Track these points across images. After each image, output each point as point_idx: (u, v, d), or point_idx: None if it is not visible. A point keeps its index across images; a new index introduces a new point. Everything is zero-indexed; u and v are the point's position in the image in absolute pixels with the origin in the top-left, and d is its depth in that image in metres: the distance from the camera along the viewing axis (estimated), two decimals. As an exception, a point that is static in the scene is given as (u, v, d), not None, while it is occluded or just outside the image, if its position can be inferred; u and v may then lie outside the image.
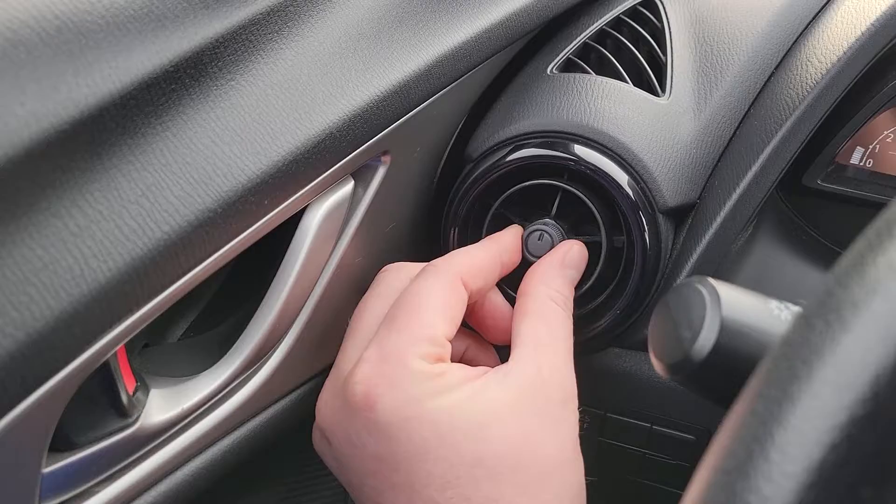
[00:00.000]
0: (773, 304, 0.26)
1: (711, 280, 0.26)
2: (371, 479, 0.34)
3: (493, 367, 0.36)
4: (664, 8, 0.50)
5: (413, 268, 0.40)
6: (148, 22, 0.28)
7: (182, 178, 0.28)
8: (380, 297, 0.39)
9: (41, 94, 0.24)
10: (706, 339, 0.25)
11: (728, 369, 0.25)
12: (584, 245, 0.42)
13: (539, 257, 0.41)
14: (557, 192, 0.43)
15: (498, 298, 0.41)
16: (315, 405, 0.37)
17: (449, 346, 0.36)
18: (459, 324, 0.37)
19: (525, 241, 0.42)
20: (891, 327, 0.15)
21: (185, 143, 0.29)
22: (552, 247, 0.42)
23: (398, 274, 0.40)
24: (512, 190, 0.42)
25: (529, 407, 0.34)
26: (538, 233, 0.42)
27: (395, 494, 0.34)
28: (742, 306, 0.25)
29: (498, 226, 0.43)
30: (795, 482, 0.15)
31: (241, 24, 0.31)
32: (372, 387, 0.33)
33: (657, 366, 0.27)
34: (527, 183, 0.43)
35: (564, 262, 0.40)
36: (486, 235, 0.43)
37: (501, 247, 0.40)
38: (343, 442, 0.35)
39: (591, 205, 0.41)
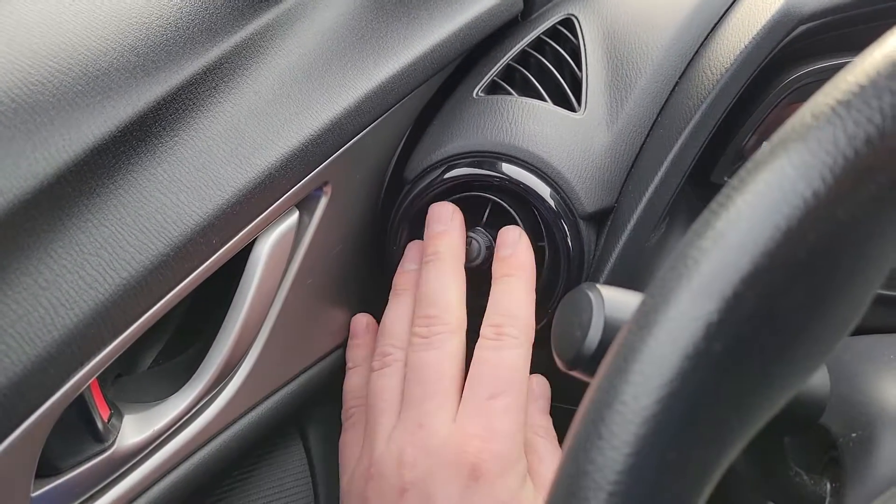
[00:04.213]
0: (652, 302, 0.30)
1: (599, 286, 0.31)
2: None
3: None
4: (581, 27, 0.55)
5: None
6: (94, 95, 0.31)
7: (136, 229, 0.32)
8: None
9: (5, 171, 0.28)
10: (593, 337, 0.29)
11: (613, 361, 0.29)
12: (544, 378, 0.47)
13: (471, 261, 0.46)
14: (488, 203, 0.47)
15: None
16: (273, 415, 0.41)
17: None
18: None
19: None
20: (680, 329, 0.19)
21: (136, 197, 0.32)
22: (479, 253, 0.47)
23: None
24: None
25: None
26: (468, 239, 0.47)
27: None
28: (623, 306, 0.30)
29: None
30: (619, 453, 0.19)
31: (181, 86, 0.35)
32: (483, 461, 0.38)
33: (559, 363, 0.31)
34: (460, 195, 0.47)
35: (535, 395, 0.45)
36: None
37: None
38: (392, 474, 0.40)
39: (515, 214, 0.46)
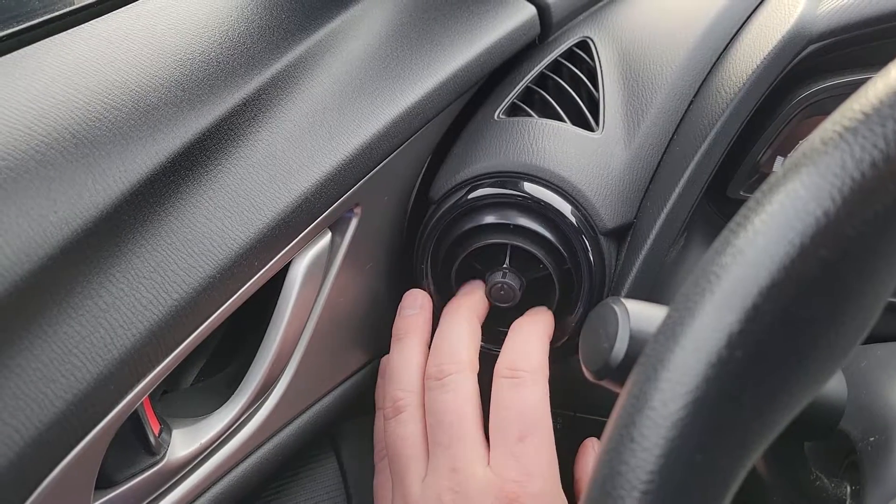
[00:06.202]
0: (674, 315, 0.32)
1: (624, 299, 0.32)
2: None
3: None
4: (596, 48, 0.56)
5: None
6: (146, 128, 0.34)
7: (185, 253, 0.34)
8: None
9: (68, 202, 0.30)
10: (619, 348, 0.31)
11: (639, 371, 0.30)
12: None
13: (503, 304, 0.49)
14: (507, 248, 0.49)
15: None
16: (311, 426, 0.43)
17: None
18: None
19: (489, 291, 0.49)
20: (704, 339, 0.21)
21: (185, 223, 0.35)
22: (513, 297, 0.49)
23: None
24: (473, 248, 0.48)
25: None
26: (499, 284, 0.49)
27: None
28: (647, 318, 0.31)
29: (461, 271, 0.50)
30: (651, 454, 0.21)
31: (223, 117, 0.37)
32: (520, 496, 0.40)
33: (586, 373, 0.33)
34: (483, 243, 0.48)
35: None
36: (456, 280, 0.50)
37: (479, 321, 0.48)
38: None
39: (539, 255, 0.48)
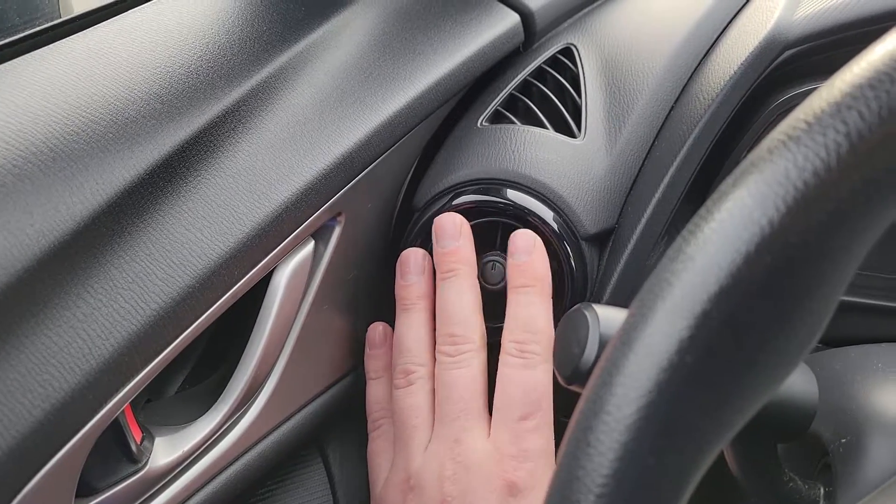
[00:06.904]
0: (644, 320, 0.32)
1: (595, 305, 0.33)
2: None
3: None
4: (580, 56, 0.57)
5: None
6: (124, 141, 0.34)
7: (164, 264, 0.35)
8: None
9: (45, 215, 0.30)
10: (590, 353, 0.31)
11: (609, 376, 0.31)
12: None
13: (494, 284, 0.48)
14: (499, 226, 0.49)
15: None
16: (298, 434, 0.44)
17: None
18: None
19: (481, 271, 0.49)
20: (656, 344, 0.21)
21: (164, 234, 0.35)
22: (502, 277, 0.49)
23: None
24: None
25: None
26: (491, 263, 0.49)
27: None
28: (617, 323, 0.32)
29: None
30: (606, 458, 0.21)
31: (203, 128, 0.38)
32: (519, 479, 0.41)
33: (559, 377, 0.33)
34: (473, 222, 0.49)
35: None
36: None
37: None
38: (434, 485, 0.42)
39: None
